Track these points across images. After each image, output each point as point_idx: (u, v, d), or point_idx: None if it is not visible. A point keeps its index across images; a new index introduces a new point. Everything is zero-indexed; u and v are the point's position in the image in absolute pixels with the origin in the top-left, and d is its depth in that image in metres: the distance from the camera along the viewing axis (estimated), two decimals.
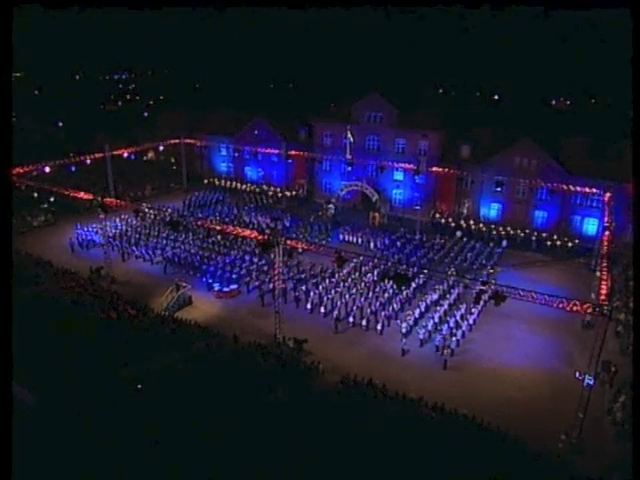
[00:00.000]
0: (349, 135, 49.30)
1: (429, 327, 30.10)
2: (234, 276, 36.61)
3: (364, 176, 51.77)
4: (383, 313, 31.34)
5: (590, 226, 44.29)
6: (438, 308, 32.10)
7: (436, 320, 30.80)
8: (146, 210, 36.37)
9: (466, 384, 25.76)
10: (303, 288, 34.72)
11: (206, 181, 62.57)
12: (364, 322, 30.86)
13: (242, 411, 21.81)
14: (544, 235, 44.39)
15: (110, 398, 22.37)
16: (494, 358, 28.12)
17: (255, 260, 38.93)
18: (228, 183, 61.22)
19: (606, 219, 33.95)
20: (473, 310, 31.51)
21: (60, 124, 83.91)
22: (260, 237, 29.56)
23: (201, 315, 32.15)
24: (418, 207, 46.41)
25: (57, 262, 38.26)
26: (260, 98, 78.02)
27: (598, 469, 19.79)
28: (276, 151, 55.77)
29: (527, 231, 45.03)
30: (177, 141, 59.46)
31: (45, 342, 26.11)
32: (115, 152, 49.59)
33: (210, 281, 35.86)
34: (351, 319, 31.33)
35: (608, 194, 38.20)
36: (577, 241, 43.21)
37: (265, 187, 58.80)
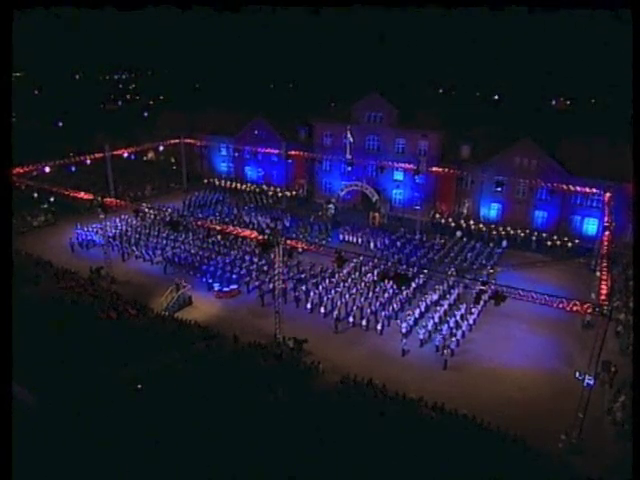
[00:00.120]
0: (349, 135, 49.31)
1: (429, 327, 30.10)
2: (234, 276, 36.62)
3: (364, 176, 51.76)
4: (383, 313, 31.34)
5: (590, 226, 44.29)
6: (438, 308, 32.10)
7: (436, 320, 30.79)
8: (146, 210, 36.39)
9: (466, 384, 25.76)
10: (303, 288, 34.73)
11: (206, 181, 62.58)
12: (364, 322, 30.86)
13: (242, 411, 21.81)
14: (544, 235, 44.39)
15: (110, 398, 22.38)
16: (494, 358, 28.12)
17: (255, 260, 38.93)
18: (228, 183, 61.21)
19: (606, 219, 33.96)
20: (473, 310, 31.51)
21: (60, 124, 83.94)
22: (260, 237, 29.58)
23: (201, 315, 32.15)
24: (418, 207, 46.41)
25: (57, 262, 38.29)
26: (260, 98, 77.99)
27: (598, 469, 19.78)
28: (276, 151, 55.77)
29: (527, 231, 45.03)
30: (177, 141, 59.48)
31: (45, 342, 26.12)
32: (115, 152, 49.61)
33: (210, 281, 35.86)
34: (351, 319, 31.33)
35: (608, 194, 38.22)
36: (577, 241, 43.22)
37: (265, 187, 58.82)
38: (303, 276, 36.77)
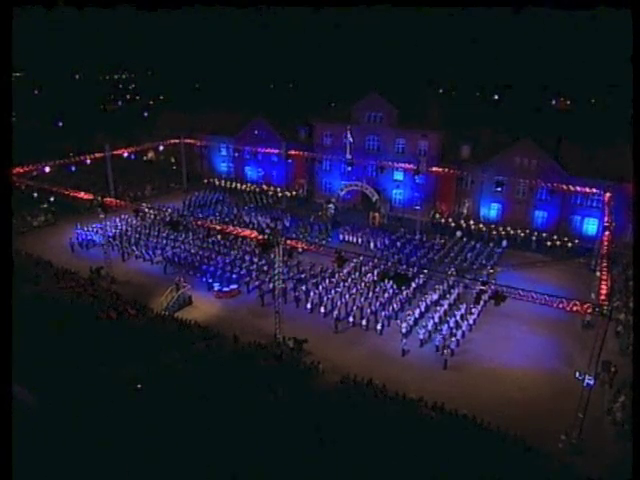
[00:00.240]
0: (349, 135, 49.31)
1: (429, 327, 30.09)
2: (234, 276, 36.62)
3: (364, 176, 51.76)
4: (383, 313, 31.34)
5: (590, 226, 44.30)
6: (438, 308, 32.09)
7: (436, 320, 30.79)
8: (146, 210, 36.40)
9: (466, 384, 25.75)
10: (303, 288, 34.73)
11: (206, 181, 62.57)
12: (364, 322, 30.86)
13: (242, 411, 21.81)
14: (544, 235, 44.38)
15: (110, 398, 22.37)
16: (494, 358, 28.11)
17: (255, 260, 38.93)
18: (228, 183, 61.20)
19: (606, 219, 33.97)
20: (473, 310, 31.50)
21: (60, 124, 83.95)
22: (260, 237, 29.59)
23: (201, 315, 32.15)
24: (418, 207, 46.39)
25: (57, 262, 38.29)
26: (260, 98, 77.99)
27: (598, 469, 19.78)
28: (276, 151, 55.76)
29: (527, 231, 45.02)
30: (177, 141, 59.49)
31: (45, 342, 26.10)
32: (115, 152, 49.63)
33: (210, 281, 35.85)
34: (351, 319, 31.32)
35: (608, 194, 38.23)
36: (577, 241, 43.21)
37: (265, 187, 58.80)
38: (303, 276, 36.76)
